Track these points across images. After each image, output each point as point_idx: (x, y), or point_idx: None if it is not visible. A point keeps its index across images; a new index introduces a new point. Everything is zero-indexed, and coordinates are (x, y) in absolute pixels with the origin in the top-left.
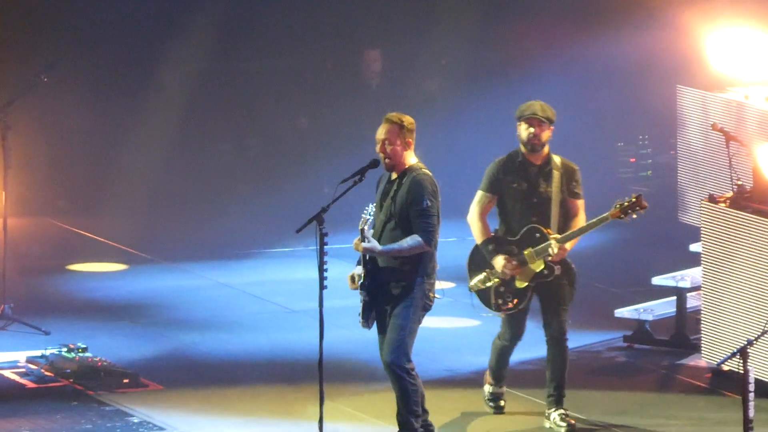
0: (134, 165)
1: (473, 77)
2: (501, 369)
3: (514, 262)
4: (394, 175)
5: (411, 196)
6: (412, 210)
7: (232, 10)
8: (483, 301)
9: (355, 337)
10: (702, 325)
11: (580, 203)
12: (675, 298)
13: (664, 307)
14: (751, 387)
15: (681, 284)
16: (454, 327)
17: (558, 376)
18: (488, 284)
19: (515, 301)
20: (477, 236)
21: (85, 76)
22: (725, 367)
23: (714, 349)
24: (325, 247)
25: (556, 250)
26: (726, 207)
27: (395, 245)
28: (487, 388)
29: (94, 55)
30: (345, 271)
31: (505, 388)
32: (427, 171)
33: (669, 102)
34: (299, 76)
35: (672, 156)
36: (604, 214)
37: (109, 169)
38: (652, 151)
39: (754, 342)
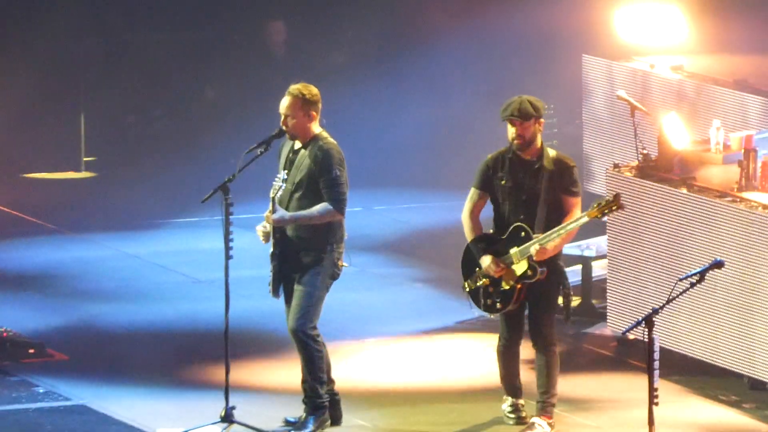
0: (36, 134)
1: (380, 49)
2: (511, 378)
3: (501, 264)
4: (298, 144)
5: (319, 165)
6: (322, 180)
7: None
8: (474, 301)
9: (261, 307)
10: (607, 294)
11: (574, 201)
12: (581, 266)
13: (570, 275)
14: (656, 356)
15: (586, 253)
16: (361, 296)
17: (542, 383)
18: (478, 284)
19: (502, 302)
20: (467, 234)
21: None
22: (631, 336)
23: (620, 318)
24: (231, 217)
25: (534, 251)
26: (631, 176)
27: (305, 212)
28: (505, 402)
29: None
30: (251, 241)
31: (523, 400)
32: (332, 140)
33: (574, 71)
34: (205, 47)
35: (577, 125)
36: (582, 215)
37: (12, 137)
38: (558, 120)
39: (659, 310)
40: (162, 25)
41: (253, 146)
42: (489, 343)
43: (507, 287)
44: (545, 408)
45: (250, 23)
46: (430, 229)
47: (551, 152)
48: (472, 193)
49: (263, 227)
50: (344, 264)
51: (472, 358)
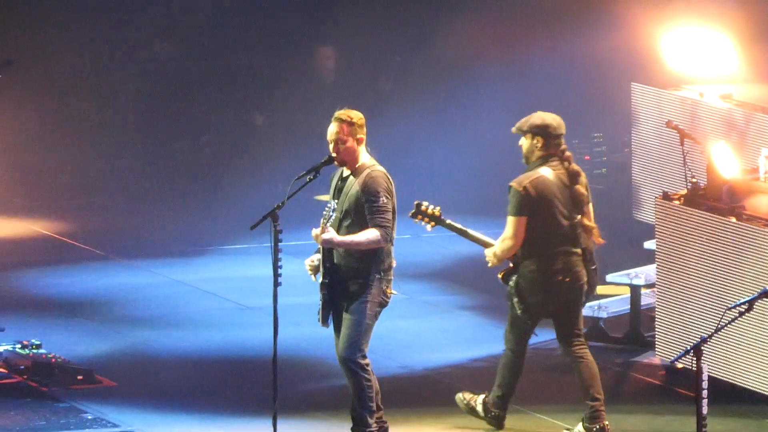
0: (89, 163)
1: (427, 76)
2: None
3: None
4: (347, 172)
5: (366, 193)
6: (368, 207)
7: (189, 7)
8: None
9: (309, 334)
10: (656, 323)
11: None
12: (629, 295)
13: (619, 304)
14: (705, 384)
15: (635, 281)
16: (409, 324)
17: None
18: None
19: None
20: None
21: (38, 75)
22: (679, 365)
23: (668, 347)
24: (280, 244)
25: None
26: (680, 204)
27: (353, 237)
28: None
29: (48, 53)
30: (299, 268)
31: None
32: (381, 168)
33: (623, 99)
34: (254, 74)
35: (626, 153)
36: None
37: (64, 167)
38: (607, 148)
39: (708, 339)
40: (212, 52)
41: (302, 173)
42: (542, 369)
43: None
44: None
45: (299, 49)
46: (477, 256)
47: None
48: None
49: (311, 261)
50: (393, 292)
51: (520, 385)
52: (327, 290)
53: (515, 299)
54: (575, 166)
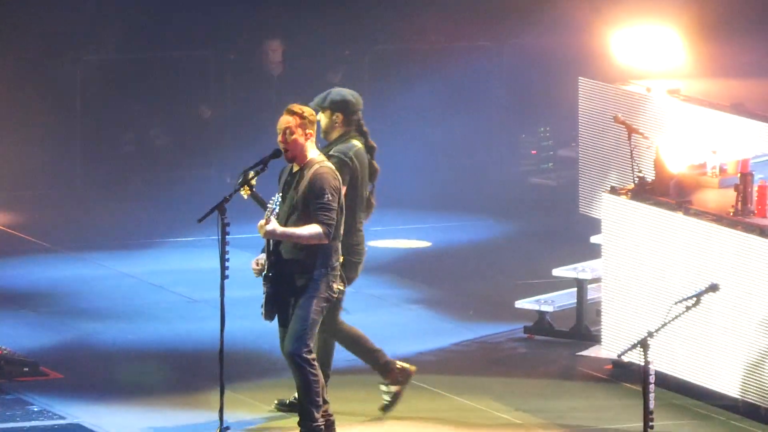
0: (33, 154)
1: (376, 69)
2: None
3: None
4: (296, 167)
5: (313, 189)
6: (313, 203)
7: (136, 1)
8: None
9: (256, 327)
10: (602, 317)
11: None
12: (575, 289)
13: (565, 298)
14: (652, 378)
15: (581, 276)
16: (356, 318)
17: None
18: None
19: None
20: None
21: None
22: (626, 359)
23: (614, 341)
24: (227, 237)
25: None
26: (627, 199)
27: (295, 229)
28: None
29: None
30: (247, 261)
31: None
32: (329, 164)
33: (570, 94)
34: (202, 66)
35: (573, 148)
36: None
37: (9, 158)
38: (554, 143)
39: (655, 333)
40: (159, 45)
41: (250, 166)
42: (487, 363)
43: None
44: None
45: (247, 42)
46: (426, 250)
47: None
48: None
49: (256, 263)
50: (339, 287)
51: (466, 378)
52: (271, 284)
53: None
54: (372, 142)
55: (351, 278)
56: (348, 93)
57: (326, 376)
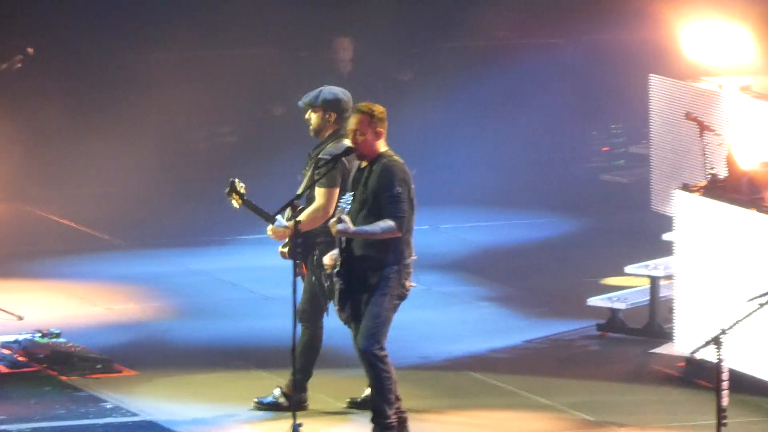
0: (108, 152)
1: (446, 66)
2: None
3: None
4: (364, 163)
5: (381, 182)
6: (383, 196)
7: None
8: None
9: (328, 323)
10: (675, 314)
11: (317, 191)
12: (648, 286)
13: (637, 295)
14: (725, 376)
15: (654, 273)
16: (428, 315)
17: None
18: None
19: None
20: None
21: (60, 64)
22: (699, 356)
23: (687, 338)
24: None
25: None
26: (699, 196)
27: (368, 227)
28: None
29: (69, 43)
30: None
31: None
32: (397, 158)
33: (641, 91)
34: (273, 65)
35: (645, 145)
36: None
37: (82, 156)
38: (625, 140)
39: (728, 331)
40: (230, 43)
41: (321, 163)
42: (559, 360)
43: None
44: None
45: (318, 40)
46: (497, 247)
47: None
48: None
49: (330, 258)
50: (412, 284)
51: (538, 376)
52: (344, 280)
53: (323, 272)
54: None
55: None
56: (340, 91)
57: (309, 374)
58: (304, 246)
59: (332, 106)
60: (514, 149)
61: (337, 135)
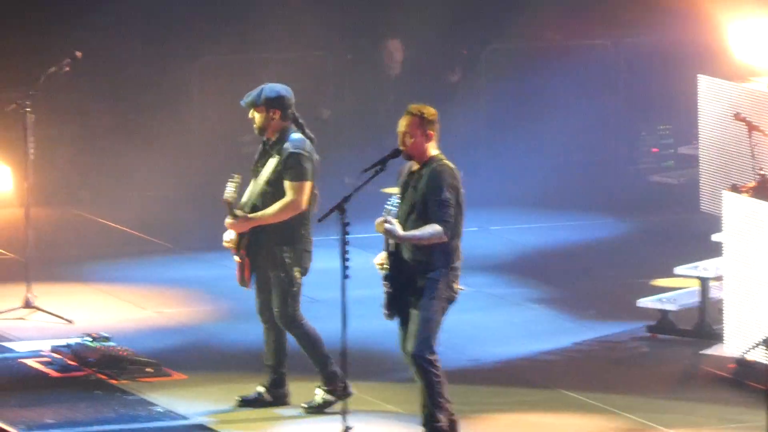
0: (158, 156)
1: (494, 68)
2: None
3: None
4: (415, 166)
5: (430, 187)
6: (431, 201)
7: (252, 2)
8: None
9: (377, 327)
10: (725, 315)
11: (288, 184)
12: (698, 288)
13: (687, 297)
14: None
15: (703, 274)
16: (477, 317)
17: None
18: None
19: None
20: None
21: (109, 67)
22: (750, 357)
23: (738, 339)
24: (347, 236)
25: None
26: (748, 197)
27: (415, 232)
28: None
29: (117, 46)
30: (367, 260)
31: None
32: (447, 162)
33: (690, 91)
34: (321, 67)
35: (694, 146)
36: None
37: (131, 160)
38: (674, 141)
39: None
40: (277, 45)
41: (369, 166)
42: (610, 362)
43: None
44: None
45: (366, 42)
46: (546, 249)
47: (291, 138)
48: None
49: (380, 260)
50: (461, 287)
51: (588, 378)
52: (392, 283)
53: (296, 268)
54: (310, 133)
55: (306, 268)
56: (282, 88)
57: (281, 375)
58: (257, 241)
59: (275, 103)
60: (563, 151)
61: (288, 131)
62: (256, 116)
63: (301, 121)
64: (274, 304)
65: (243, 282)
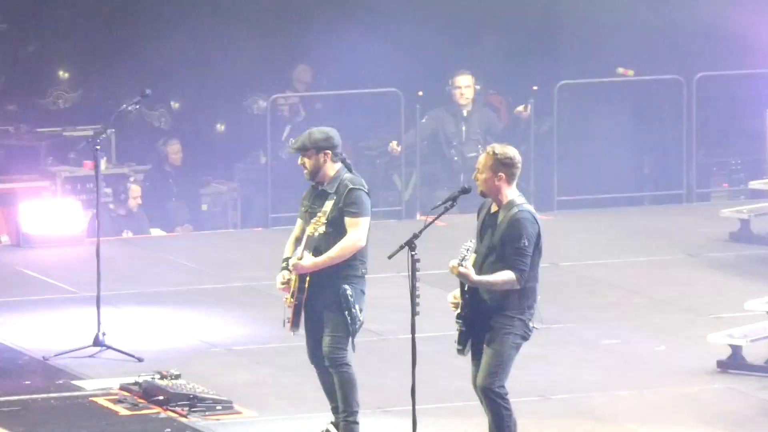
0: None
1: (564, 104)
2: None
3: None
4: (494, 207)
5: (509, 233)
6: (509, 247)
7: (328, 39)
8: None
9: (447, 363)
10: None
11: (349, 221)
12: None
13: (758, 331)
14: None
15: None
16: (547, 352)
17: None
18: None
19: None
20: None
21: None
22: None
23: None
24: (417, 273)
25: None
26: None
27: (489, 277)
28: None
29: (180, 84)
30: (437, 297)
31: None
32: (528, 207)
33: (760, 126)
34: (392, 103)
35: (765, 181)
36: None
37: (203, 195)
38: (745, 175)
39: None
40: (346, 83)
41: (440, 203)
42: (680, 397)
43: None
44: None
45: (435, 77)
46: (616, 284)
47: (345, 176)
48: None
49: (454, 298)
50: (535, 326)
51: (659, 413)
52: (464, 322)
53: (358, 306)
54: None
55: (362, 309)
56: (329, 129)
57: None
58: (319, 281)
59: (325, 145)
60: (632, 187)
61: (341, 171)
62: (306, 161)
63: (348, 161)
64: (327, 343)
65: (296, 325)
